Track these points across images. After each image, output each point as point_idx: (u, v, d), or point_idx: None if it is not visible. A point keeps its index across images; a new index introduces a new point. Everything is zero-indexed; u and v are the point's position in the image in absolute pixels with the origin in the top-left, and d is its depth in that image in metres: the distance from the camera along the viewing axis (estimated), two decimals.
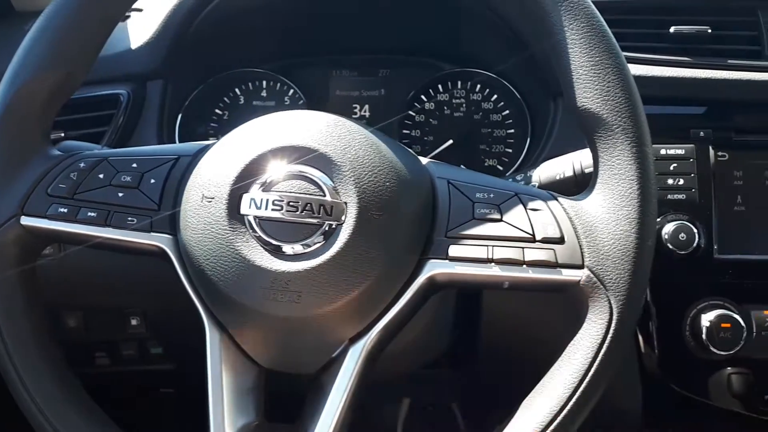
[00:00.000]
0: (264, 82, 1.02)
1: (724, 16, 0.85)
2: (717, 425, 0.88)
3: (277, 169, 0.57)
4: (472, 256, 0.57)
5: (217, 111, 1.02)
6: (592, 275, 0.56)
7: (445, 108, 1.02)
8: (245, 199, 0.56)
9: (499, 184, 0.61)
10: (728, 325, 0.79)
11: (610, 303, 0.55)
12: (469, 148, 1.01)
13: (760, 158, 0.83)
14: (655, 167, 0.82)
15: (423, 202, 0.60)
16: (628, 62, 0.83)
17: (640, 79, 0.83)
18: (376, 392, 1.19)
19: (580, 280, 0.56)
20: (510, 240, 0.57)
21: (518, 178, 0.78)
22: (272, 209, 0.55)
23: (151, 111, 0.89)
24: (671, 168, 0.83)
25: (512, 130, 1.01)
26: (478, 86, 1.01)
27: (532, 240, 0.57)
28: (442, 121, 1.02)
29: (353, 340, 0.58)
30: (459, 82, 1.02)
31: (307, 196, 0.56)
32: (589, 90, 0.57)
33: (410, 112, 1.02)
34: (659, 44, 0.86)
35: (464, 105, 1.02)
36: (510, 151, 1.01)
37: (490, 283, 0.58)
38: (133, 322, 0.92)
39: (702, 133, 0.83)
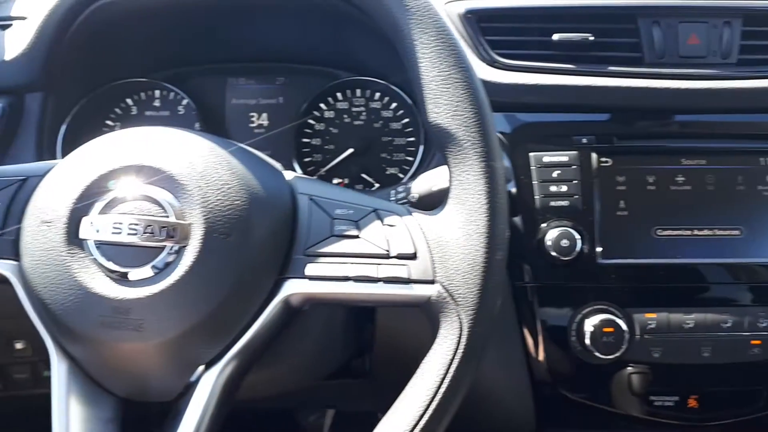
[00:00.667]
0: (157, 92, 1.00)
1: (606, 24, 0.86)
2: (609, 428, 0.89)
3: (119, 190, 0.55)
4: (330, 274, 0.57)
5: (108, 122, 0.99)
6: (443, 290, 0.56)
7: (345, 116, 1.01)
8: (84, 222, 0.55)
9: (359, 200, 0.60)
10: (611, 329, 0.81)
11: (460, 318, 0.55)
12: (370, 157, 1.01)
13: (641, 163, 0.85)
14: (539, 174, 0.84)
15: (281, 220, 0.59)
16: (513, 71, 0.86)
17: (524, 88, 0.85)
18: (294, 402, 1.18)
19: (431, 296, 0.56)
20: (366, 257, 0.57)
21: (399, 189, 0.78)
22: (112, 232, 0.54)
23: (29, 125, 0.86)
24: (554, 175, 0.84)
25: (412, 138, 1.00)
26: (377, 94, 1.01)
27: (387, 256, 0.57)
28: (342, 130, 1.01)
29: (209, 364, 0.57)
30: (358, 90, 1.01)
31: (149, 217, 0.54)
32: (439, 105, 0.57)
33: (309, 120, 1.01)
34: (544, 52, 0.86)
35: (364, 113, 1.01)
36: (411, 159, 1.01)
37: (348, 301, 0.58)
38: (18, 345, 0.88)
39: (585, 140, 0.84)
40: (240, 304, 0.56)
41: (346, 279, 0.56)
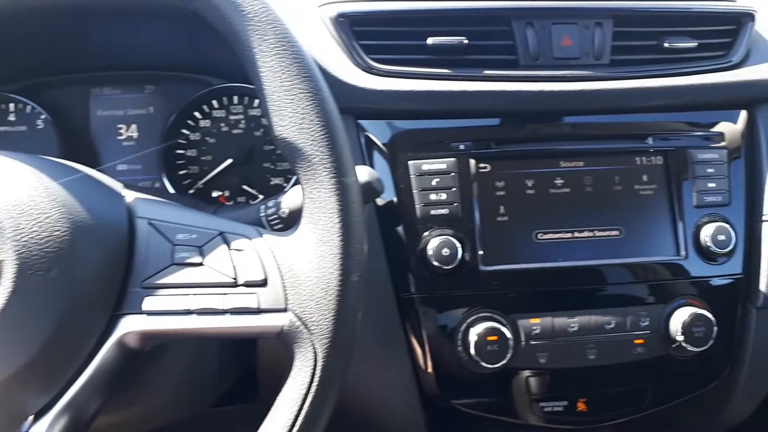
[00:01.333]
0: (11, 105, 0.92)
1: (480, 26, 0.84)
2: None
3: None
4: (170, 308, 0.52)
5: None
6: (295, 319, 0.52)
7: (223, 125, 0.96)
8: None
9: (204, 223, 0.56)
10: (495, 338, 0.79)
11: (314, 348, 0.51)
12: (252, 167, 0.96)
13: (520, 167, 0.84)
14: (419, 183, 0.82)
15: (114, 249, 0.53)
16: (389, 77, 0.83)
17: (400, 94, 0.83)
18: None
19: (283, 326, 0.52)
20: (211, 286, 0.53)
21: (269, 204, 0.73)
22: None
23: None
24: (434, 183, 0.81)
25: None
26: (256, 101, 0.96)
27: (235, 284, 0.53)
28: (220, 139, 0.96)
29: (38, 415, 0.51)
30: (235, 98, 0.96)
31: None
32: (283, 117, 0.53)
33: (184, 131, 0.95)
34: (419, 56, 0.84)
35: (243, 121, 0.96)
36: None
37: (192, 336, 0.53)
38: None
39: (462, 146, 0.82)
40: (67, 346, 0.50)
41: (188, 312, 0.52)
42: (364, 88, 0.81)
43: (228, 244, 0.54)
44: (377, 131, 0.84)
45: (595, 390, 0.85)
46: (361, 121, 0.84)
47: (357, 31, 0.83)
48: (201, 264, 0.53)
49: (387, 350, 0.83)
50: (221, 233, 0.55)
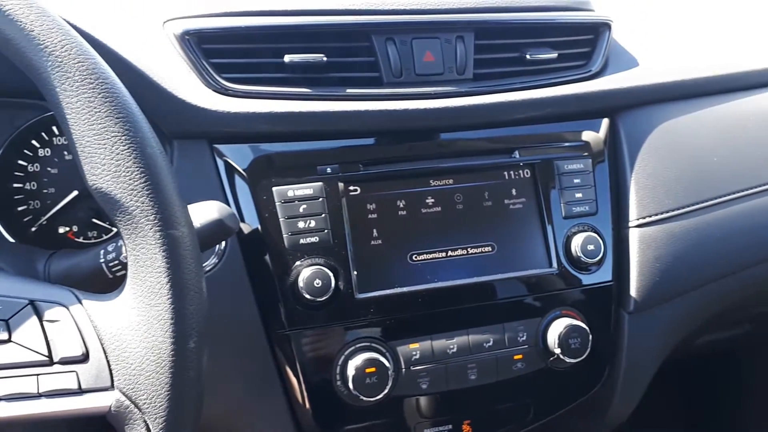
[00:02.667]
0: None
1: (339, 42, 0.80)
2: None
3: None
4: None
5: None
6: (123, 398, 0.45)
7: (66, 153, 0.86)
8: None
9: (10, 290, 0.48)
10: (373, 369, 0.76)
11: (148, 429, 0.45)
12: None
13: (390, 188, 0.81)
14: (284, 210, 0.77)
15: None
16: (245, 98, 0.77)
17: (257, 116, 0.77)
18: None
19: (110, 406, 0.45)
20: (21, 366, 0.45)
21: (109, 249, 0.65)
22: None
23: None
24: (301, 210, 0.77)
25: None
26: None
27: (49, 363, 0.46)
28: (63, 170, 0.86)
29: None
30: None
31: None
32: (95, 165, 0.46)
33: (20, 162, 0.84)
34: (277, 75, 0.79)
35: None
36: None
37: (1, 425, 0.45)
38: None
39: (329, 169, 0.78)
40: None
41: None
42: (217, 111, 0.75)
43: (40, 315, 0.47)
44: (236, 156, 0.78)
45: (479, 410, 0.84)
46: (218, 146, 0.78)
47: (207, 49, 0.77)
48: (8, 341, 0.46)
49: (259, 392, 0.78)
50: (31, 302, 0.47)
